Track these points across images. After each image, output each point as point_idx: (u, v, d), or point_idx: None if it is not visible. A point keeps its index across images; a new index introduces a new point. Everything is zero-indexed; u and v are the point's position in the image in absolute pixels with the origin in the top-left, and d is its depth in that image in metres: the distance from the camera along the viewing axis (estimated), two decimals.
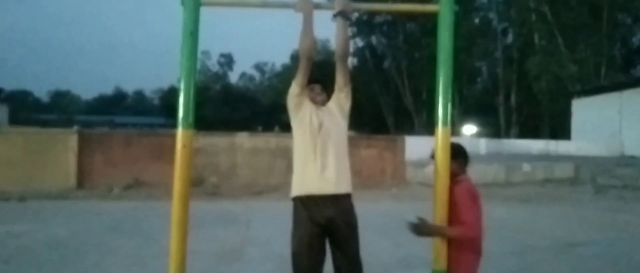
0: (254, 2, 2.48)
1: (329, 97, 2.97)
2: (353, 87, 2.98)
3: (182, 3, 2.49)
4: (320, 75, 3.09)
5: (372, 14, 40.91)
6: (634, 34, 39.91)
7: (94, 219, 7.31)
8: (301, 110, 2.85)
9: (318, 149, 2.79)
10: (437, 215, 2.55)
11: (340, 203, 2.78)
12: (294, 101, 2.84)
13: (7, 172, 10.19)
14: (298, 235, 2.77)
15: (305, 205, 2.75)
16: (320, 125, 2.83)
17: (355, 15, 37.98)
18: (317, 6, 2.74)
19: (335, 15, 2.79)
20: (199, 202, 8.58)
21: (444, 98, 2.55)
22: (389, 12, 37.08)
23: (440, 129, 2.54)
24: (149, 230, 6.32)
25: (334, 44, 2.93)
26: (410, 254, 5.16)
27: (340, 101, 2.93)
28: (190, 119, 2.46)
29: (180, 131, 2.44)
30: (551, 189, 12.38)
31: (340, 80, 2.92)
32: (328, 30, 2.83)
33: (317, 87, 2.95)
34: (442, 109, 2.54)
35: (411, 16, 36.27)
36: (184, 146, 2.42)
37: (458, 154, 2.62)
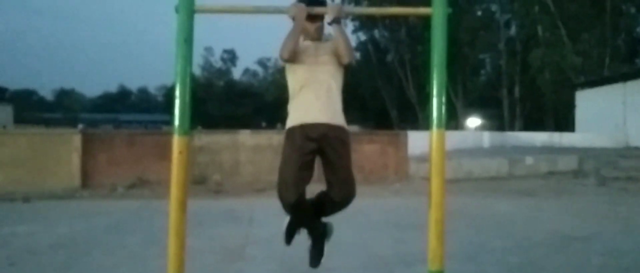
0: (247, 8, 2.49)
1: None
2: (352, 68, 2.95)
3: (176, 10, 2.49)
4: None
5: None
6: (639, 24, 39.59)
7: (97, 218, 7.36)
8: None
9: (315, 78, 2.79)
10: (432, 215, 2.56)
11: (335, 126, 2.80)
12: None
13: (11, 172, 10.26)
14: (288, 149, 2.75)
15: (300, 128, 2.76)
16: (317, 56, 2.83)
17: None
18: (311, 12, 2.74)
19: (330, 23, 2.79)
20: (202, 200, 8.63)
21: (438, 100, 2.55)
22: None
23: (434, 131, 2.55)
24: (151, 229, 6.38)
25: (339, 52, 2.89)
26: (410, 251, 5.17)
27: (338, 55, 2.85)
28: (186, 126, 2.47)
29: (176, 138, 2.45)
30: (555, 182, 12.35)
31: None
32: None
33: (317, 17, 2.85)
34: (436, 111, 2.55)
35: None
36: (180, 152, 2.43)
37: None
